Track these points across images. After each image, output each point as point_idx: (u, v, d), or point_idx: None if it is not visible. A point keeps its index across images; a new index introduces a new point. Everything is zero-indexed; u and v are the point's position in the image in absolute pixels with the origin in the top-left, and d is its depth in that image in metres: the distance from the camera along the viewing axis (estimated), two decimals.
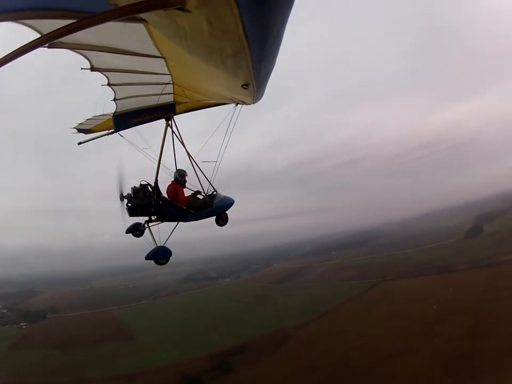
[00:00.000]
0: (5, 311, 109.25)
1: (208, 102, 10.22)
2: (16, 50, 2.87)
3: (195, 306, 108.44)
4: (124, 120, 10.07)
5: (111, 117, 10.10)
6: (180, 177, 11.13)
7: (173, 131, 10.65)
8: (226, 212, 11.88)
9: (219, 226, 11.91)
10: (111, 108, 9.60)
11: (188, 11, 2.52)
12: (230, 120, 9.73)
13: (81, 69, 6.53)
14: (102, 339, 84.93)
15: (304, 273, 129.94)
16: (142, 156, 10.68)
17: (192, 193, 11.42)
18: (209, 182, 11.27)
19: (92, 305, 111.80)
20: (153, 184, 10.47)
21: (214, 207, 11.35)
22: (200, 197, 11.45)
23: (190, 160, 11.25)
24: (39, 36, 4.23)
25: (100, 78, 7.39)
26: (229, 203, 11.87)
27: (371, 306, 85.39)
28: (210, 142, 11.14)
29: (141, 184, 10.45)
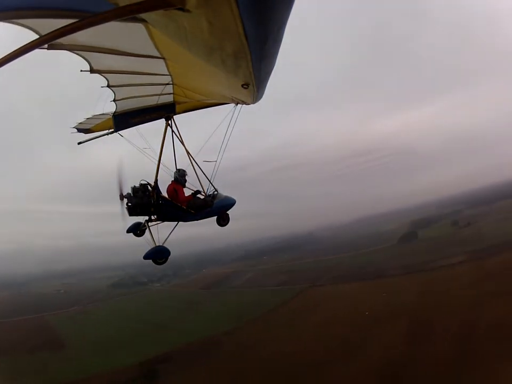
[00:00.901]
0: None
1: (208, 102, 10.23)
2: (14, 51, 2.84)
3: (124, 313, 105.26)
4: (123, 119, 10.06)
5: (111, 116, 10.09)
6: (180, 177, 11.11)
7: (172, 131, 10.67)
8: (228, 212, 11.86)
9: (220, 227, 11.91)
10: (110, 108, 9.60)
11: (188, 11, 2.52)
12: (230, 120, 9.77)
13: (81, 71, 6.52)
14: (32, 347, 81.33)
15: (235, 278, 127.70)
16: (141, 155, 10.71)
17: (192, 193, 11.41)
18: (210, 182, 11.27)
19: (22, 311, 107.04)
20: (153, 184, 10.47)
21: (215, 207, 11.33)
22: (200, 196, 11.43)
23: (190, 160, 11.26)
24: (37, 37, 4.19)
25: (99, 78, 7.38)
26: (230, 203, 11.85)
27: (301, 312, 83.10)
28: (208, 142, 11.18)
29: (140, 184, 10.45)
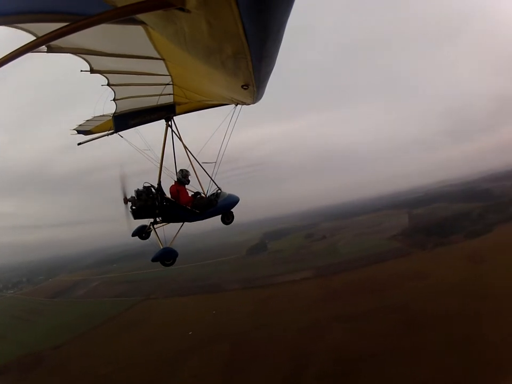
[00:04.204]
0: None
1: (208, 102, 10.23)
2: (11, 53, 2.83)
3: None
4: (123, 120, 10.03)
5: (110, 117, 10.07)
6: (183, 178, 11.11)
7: (173, 131, 10.66)
8: (232, 210, 11.86)
9: (225, 225, 11.92)
10: (111, 109, 9.59)
11: (187, 11, 2.50)
12: (230, 121, 9.75)
13: (81, 71, 6.51)
14: None
15: (80, 287, 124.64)
16: (141, 157, 10.70)
17: (192, 195, 11.42)
18: (213, 181, 11.26)
19: None
20: (156, 186, 10.47)
21: (219, 205, 11.33)
22: (202, 196, 11.44)
23: (190, 160, 11.24)
24: (34, 38, 4.18)
25: (99, 78, 7.38)
26: (233, 201, 11.85)
27: (129, 328, 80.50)
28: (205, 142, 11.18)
29: (144, 186, 10.46)
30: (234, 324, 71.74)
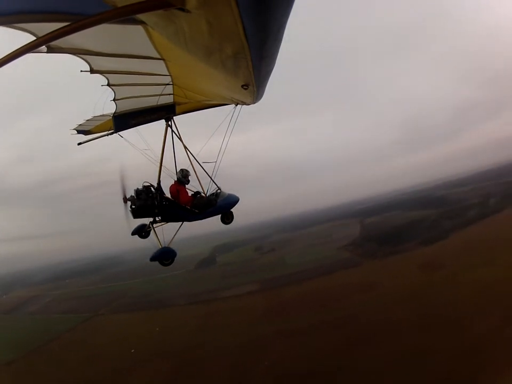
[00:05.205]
0: None
1: (208, 102, 10.25)
2: (11, 53, 2.82)
3: None
4: (123, 120, 10.04)
5: (110, 117, 10.08)
6: (183, 178, 11.13)
7: (172, 131, 10.67)
8: (232, 210, 11.88)
9: (225, 225, 11.93)
10: (110, 109, 9.59)
11: (187, 11, 2.50)
12: (230, 121, 9.76)
13: (81, 71, 6.51)
14: None
15: (33, 302, 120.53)
16: (142, 156, 10.70)
17: (192, 194, 11.43)
18: (213, 181, 11.28)
19: None
20: (155, 185, 10.50)
21: (219, 205, 11.36)
22: (202, 196, 11.46)
23: (190, 160, 11.26)
24: (34, 38, 4.17)
25: (99, 78, 7.38)
26: (233, 201, 11.87)
27: (76, 344, 78.25)
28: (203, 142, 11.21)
29: (143, 186, 10.49)
30: (177, 341, 70.60)
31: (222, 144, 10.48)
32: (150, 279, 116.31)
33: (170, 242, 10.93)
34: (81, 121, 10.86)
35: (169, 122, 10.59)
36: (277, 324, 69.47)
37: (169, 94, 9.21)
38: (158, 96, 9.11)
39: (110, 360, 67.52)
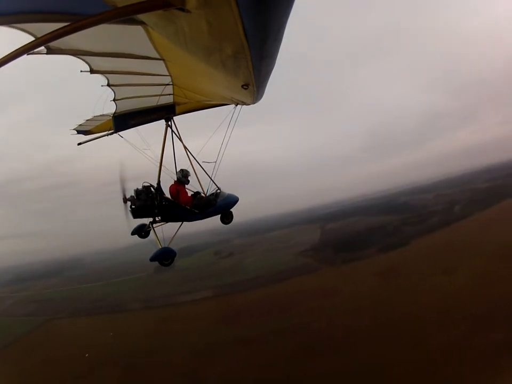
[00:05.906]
0: None
1: (208, 102, 10.25)
2: (10, 53, 2.82)
3: None
4: (123, 120, 10.04)
5: (110, 117, 10.08)
6: (183, 178, 11.13)
7: (172, 131, 10.67)
8: (231, 210, 11.88)
9: (224, 225, 11.94)
10: (110, 109, 9.59)
11: (187, 11, 2.50)
12: (230, 121, 9.77)
13: (81, 71, 6.50)
14: None
15: None
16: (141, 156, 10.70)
17: (191, 194, 11.43)
18: (212, 181, 11.28)
19: None
20: (155, 186, 10.49)
21: (218, 205, 11.36)
22: (202, 196, 11.46)
23: (190, 160, 11.26)
24: (33, 39, 4.15)
25: (99, 78, 7.38)
26: (233, 201, 11.86)
27: (33, 348, 76.41)
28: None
29: (143, 186, 10.49)
30: (129, 347, 69.31)
31: (221, 144, 10.50)
32: (109, 282, 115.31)
33: (170, 242, 10.91)
34: (81, 121, 10.87)
35: (169, 123, 10.58)
36: (231, 331, 68.41)
37: (169, 94, 9.21)
38: (158, 96, 9.10)
39: (64, 365, 66.35)
